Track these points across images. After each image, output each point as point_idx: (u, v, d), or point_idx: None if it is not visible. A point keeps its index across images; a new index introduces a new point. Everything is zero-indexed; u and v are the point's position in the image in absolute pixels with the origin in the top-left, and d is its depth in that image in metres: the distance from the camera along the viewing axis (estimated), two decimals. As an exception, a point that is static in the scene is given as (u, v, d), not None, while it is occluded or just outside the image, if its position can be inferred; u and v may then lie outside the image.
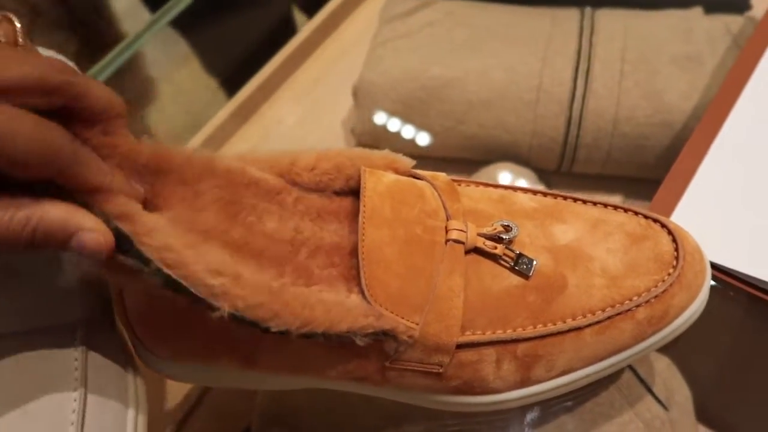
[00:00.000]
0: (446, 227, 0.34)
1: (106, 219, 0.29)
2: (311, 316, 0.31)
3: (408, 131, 0.59)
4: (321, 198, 0.37)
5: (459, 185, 0.37)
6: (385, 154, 0.37)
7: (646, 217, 0.37)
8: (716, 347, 0.47)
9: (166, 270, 0.29)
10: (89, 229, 0.29)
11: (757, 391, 0.48)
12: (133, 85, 0.64)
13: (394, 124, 0.58)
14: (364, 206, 0.33)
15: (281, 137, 0.64)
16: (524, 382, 0.35)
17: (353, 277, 0.34)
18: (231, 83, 0.66)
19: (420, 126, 0.58)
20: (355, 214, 0.36)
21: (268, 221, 0.35)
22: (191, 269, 0.29)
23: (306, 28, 0.68)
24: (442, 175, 0.37)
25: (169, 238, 0.29)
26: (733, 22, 0.59)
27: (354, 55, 0.67)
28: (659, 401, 0.44)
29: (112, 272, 0.31)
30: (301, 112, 0.66)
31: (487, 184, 0.38)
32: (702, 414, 0.45)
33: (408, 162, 0.37)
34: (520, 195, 0.37)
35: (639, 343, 0.35)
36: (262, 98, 0.66)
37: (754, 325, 0.46)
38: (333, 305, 0.31)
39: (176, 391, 0.47)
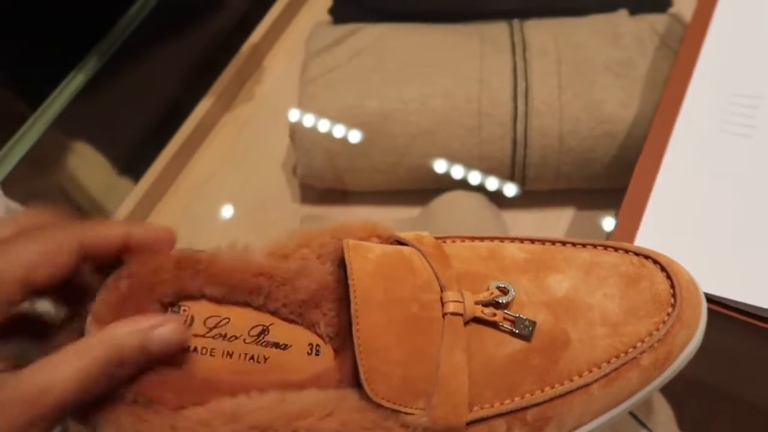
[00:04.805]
0: (442, 299, 0.32)
1: None
2: None
3: (351, 169, 0.56)
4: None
5: (444, 242, 0.35)
6: (365, 223, 0.34)
7: (636, 254, 0.36)
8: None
9: None
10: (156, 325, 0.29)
11: (732, 400, 0.49)
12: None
13: (336, 163, 0.56)
14: (355, 291, 0.31)
15: (218, 189, 0.60)
16: (536, 446, 0.33)
17: None
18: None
19: (363, 163, 0.56)
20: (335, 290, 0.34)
21: None
22: None
23: (228, 69, 0.64)
24: (427, 237, 0.34)
25: None
26: (658, 21, 0.60)
27: (284, 89, 0.64)
28: (643, 424, 0.44)
29: None
30: (236, 156, 0.62)
31: (473, 238, 0.36)
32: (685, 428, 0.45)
33: (389, 227, 0.35)
34: (507, 245, 0.36)
35: (645, 387, 0.34)
36: (186, 153, 0.61)
37: (721, 337, 0.45)
38: None
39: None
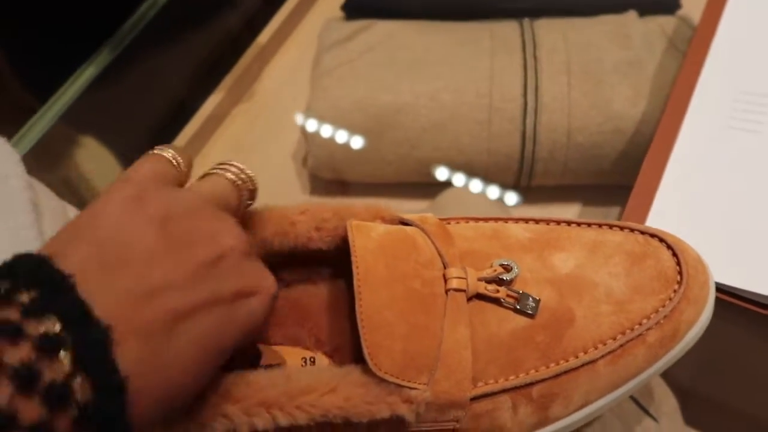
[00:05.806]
0: (445, 276, 0.32)
1: None
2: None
3: (362, 161, 0.57)
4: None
5: (449, 223, 0.35)
6: (369, 204, 0.35)
7: (642, 232, 0.36)
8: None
9: None
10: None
11: (736, 391, 0.48)
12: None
13: (347, 155, 0.56)
14: (357, 268, 0.31)
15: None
16: (542, 423, 0.33)
17: None
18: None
19: (373, 155, 0.56)
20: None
21: None
22: None
23: (239, 63, 0.65)
24: (431, 217, 0.35)
25: None
26: (666, 23, 0.60)
27: (294, 84, 0.64)
28: (649, 414, 0.43)
29: None
30: (246, 149, 0.62)
31: (477, 219, 0.36)
32: (689, 419, 0.45)
33: (393, 210, 0.35)
34: (512, 226, 0.36)
35: (652, 365, 0.34)
36: (195, 148, 0.62)
37: (724, 327, 0.45)
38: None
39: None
